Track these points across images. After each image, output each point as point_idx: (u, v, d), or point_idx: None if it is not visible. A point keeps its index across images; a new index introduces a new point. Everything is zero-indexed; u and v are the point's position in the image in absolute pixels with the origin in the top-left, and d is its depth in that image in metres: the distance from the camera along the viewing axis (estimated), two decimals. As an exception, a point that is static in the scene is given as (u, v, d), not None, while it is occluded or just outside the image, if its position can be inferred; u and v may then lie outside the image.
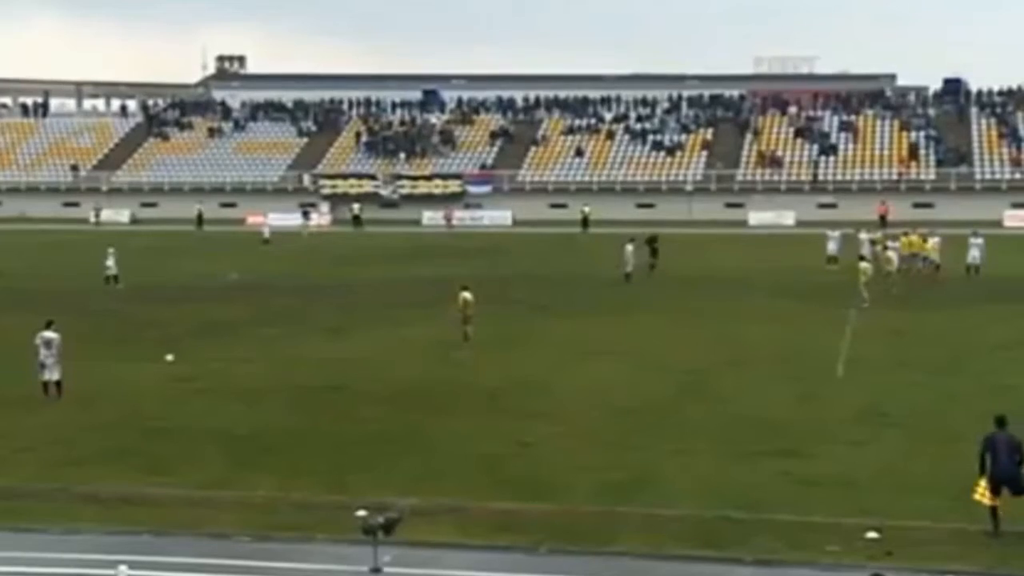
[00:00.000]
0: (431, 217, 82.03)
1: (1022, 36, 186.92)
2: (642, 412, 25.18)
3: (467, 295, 33.66)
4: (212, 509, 18.81)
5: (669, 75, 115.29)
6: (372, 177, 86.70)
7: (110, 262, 47.80)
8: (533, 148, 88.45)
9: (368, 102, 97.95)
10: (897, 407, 25.27)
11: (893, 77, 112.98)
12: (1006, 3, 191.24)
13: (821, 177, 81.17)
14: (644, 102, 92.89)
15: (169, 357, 30.98)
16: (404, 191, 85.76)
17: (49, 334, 26.25)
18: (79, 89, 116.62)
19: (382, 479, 20.30)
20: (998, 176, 78.57)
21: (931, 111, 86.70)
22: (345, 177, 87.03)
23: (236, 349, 32.92)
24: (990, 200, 75.39)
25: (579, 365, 30.30)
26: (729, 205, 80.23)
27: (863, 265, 40.58)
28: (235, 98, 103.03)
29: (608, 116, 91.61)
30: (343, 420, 24.75)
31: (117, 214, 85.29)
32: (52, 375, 26.15)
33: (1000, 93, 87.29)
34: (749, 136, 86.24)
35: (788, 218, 76.68)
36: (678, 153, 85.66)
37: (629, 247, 47.37)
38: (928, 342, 33.20)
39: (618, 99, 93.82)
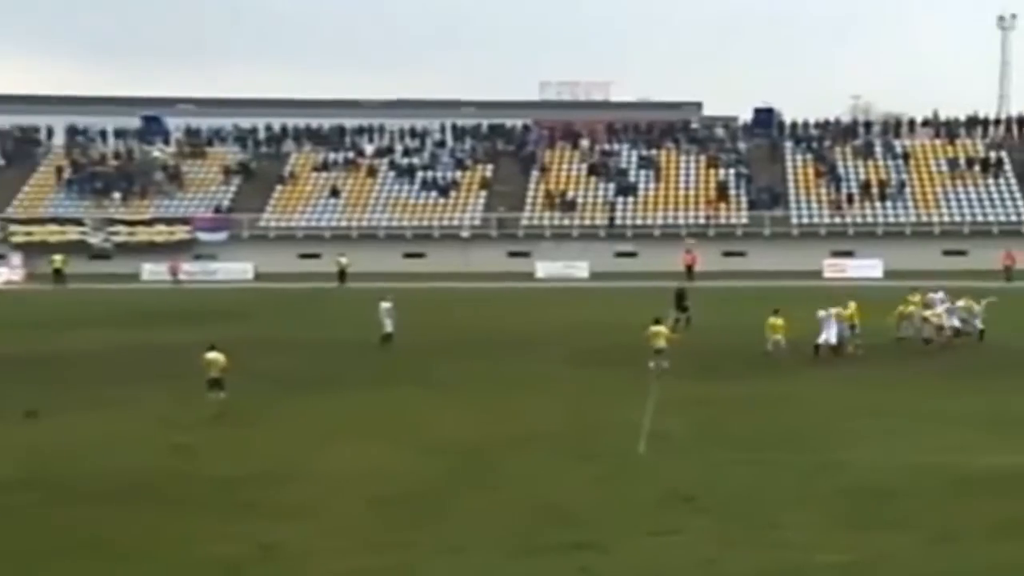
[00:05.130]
0: (153, 271, 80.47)
1: (831, 64, 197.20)
2: (408, 502, 25.11)
3: (215, 355, 34.28)
4: None
5: (441, 101, 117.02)
6: (78, 222, 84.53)
7: None
8: (278, 187, 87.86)
9: (73, 130, 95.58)
10: (706, 489, 25.88)
11: (699, 106, 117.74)
12: (812, 30, 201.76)
13: (619, 221, 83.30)
14: (412, 133, 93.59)
15: None
16: (119, 239, 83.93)
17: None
18: None
19: (87, 596, 19.61)
20: (816, 220, 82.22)
21: (741, 145, 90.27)
22: (43, 222, 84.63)
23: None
24: (807, 247, 78.84)
25: (332, 448, 30.08)
26: (513, 254, 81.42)
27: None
28: None
29: (369, 149, 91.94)
30: (40, 525, 23.85)
31: None
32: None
33: (816, 125, 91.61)
34: (535, 173, 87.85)
35: (581, 269, 78.26)
36: (452, 193, 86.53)
37: (385, 304, 47.53)
38: (744, 414, 34.13)
39: (381, 129, 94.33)
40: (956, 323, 45.63)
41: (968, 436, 30.79)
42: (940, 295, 46.94)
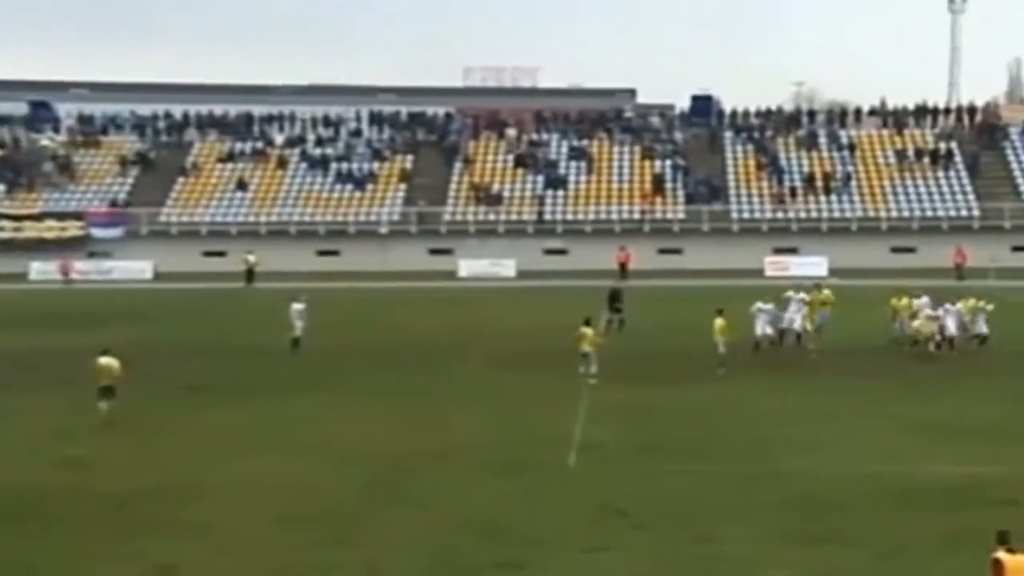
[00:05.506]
0: (42, 270, 79.54)
1: (773, 49, 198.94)
2: (322, 520, 25.01)
3: (108, 361, 34.11)
4: None
5: (357, 87, 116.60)
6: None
7: None
8: (180, 179, 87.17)
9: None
10: (641, 503, 26.02)
11: (633, 93, 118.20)
12: (754, 12, 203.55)
13: (548, 216, 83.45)
14: (326, 121, 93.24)
15: None
16: (4, 235, 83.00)
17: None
18: None
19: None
20: (757, 215, 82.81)
21: (678, 135, 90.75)
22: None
23: None
24: (748, 244, 79.38)
25: (239, 461, 29.93)
26: (434, 252, 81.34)
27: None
28: None
29: (279, 138, 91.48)
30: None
31: None
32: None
33: (758, 114, 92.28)
34: (458, 165, 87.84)
35: (508, 267, 78.36)
36: (369, 186, 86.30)
37: (297, 305, 47.40)
38: (680, 421, 34.39)
39: (292, 117, 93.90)
40: (953, 329, 44.95)
41: (918, 444, 31.15)
42: (925, 299, 47.00)
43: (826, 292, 46.35)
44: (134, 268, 79.88)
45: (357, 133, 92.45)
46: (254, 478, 28.27)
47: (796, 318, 44.27)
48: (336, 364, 44.10)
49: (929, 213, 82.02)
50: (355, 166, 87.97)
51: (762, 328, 44.24)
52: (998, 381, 39.57)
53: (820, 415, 34.74)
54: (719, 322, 42.18)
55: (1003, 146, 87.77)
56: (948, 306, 45.61)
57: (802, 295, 45.28)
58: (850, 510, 25.26)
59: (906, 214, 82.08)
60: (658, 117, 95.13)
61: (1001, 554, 16.88)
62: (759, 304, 44.50)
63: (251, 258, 75.19)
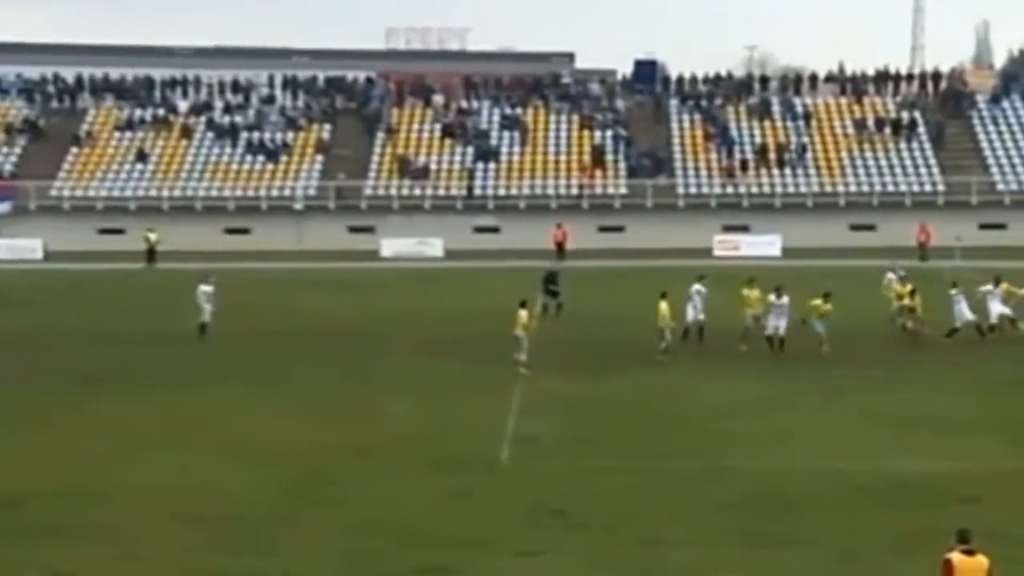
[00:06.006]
0: (-79, 250, 78.86)
1: (722, 10, 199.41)
2: (231, 522, 25.00)
3: None
4: None
5: (269, 49, 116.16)
6: None
7: None
8: (73, 149, 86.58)
9: None
10: (579, 502, 26.14)
11: (571, 57, 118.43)
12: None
13: (478, 191, 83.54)
14: (235, 86, 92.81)
15: None
16: None
17: None
18: None
19: None
20: (705, 190, 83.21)
21: (620, 103, 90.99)
22: None
23: None
24: (695, 221, 79.72)
25: (141, 459, 29.81)
26: (354, 230, 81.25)
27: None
28: None
29: (183, 105, 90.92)
30: None
31: None
32: None
33: (706, 81, 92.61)
34: (380, 135, 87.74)
35: (435, 247, 78.40)
36: (283, 158, 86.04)
37: (205, 288, 47.35)
38: (621, 414, 34.59)
39: (197, 81, 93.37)
40: (1006, 310, 44.95)
41: (880, 437, 31.48)
42: (901, 274, 47.31)
43: (828, 306, 46.23)
44: (22, 246, 79.29)
45: (269, 100, 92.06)
46: (158, 477, 28.15)
47: (780, 324, 44.25)
48: (248, 352, 44.04)
49: (890, 188, 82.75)
50: (267, 136, 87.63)
51: (694, 314, 44.44)
52: (965, 369, 40.10)
53: (775, 406, 35.07)
54: (663, 306, 42.41)
55: (970, 115, 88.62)
56: (991, 287, 45.61)
57: (785, 298, 45.06)
58: (805, 510, 25.51)
59: (865, 189, 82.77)
60: (598, 84, 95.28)
61: (953, 555, 17.12)
62: (697, 286, 44.63)
63: (152, 236, 74.73)
